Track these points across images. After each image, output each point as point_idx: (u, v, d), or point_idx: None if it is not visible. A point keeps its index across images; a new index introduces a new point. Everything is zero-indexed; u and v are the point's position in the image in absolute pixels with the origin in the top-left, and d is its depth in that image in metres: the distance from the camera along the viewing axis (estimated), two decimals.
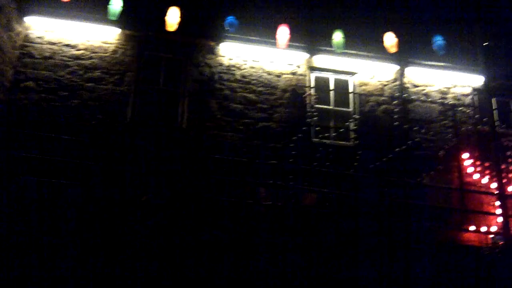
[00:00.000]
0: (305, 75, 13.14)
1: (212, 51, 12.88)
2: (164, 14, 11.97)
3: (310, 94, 12.93)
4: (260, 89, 12.79)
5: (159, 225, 9.56)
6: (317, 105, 12.96)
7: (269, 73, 12.95)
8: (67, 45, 12.31)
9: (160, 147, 11.57)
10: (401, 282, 9.73)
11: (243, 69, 12.86)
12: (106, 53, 12.40)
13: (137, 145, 11.46)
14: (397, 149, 12.64)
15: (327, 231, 10.24)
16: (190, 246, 9.46)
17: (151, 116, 12.20)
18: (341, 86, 13.43)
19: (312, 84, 13.18)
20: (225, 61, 12.86)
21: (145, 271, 8.92)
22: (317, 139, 12.56)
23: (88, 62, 12.25)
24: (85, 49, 12.35)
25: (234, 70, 12.81)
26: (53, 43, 12.25)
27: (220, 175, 11.25)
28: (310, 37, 13.14)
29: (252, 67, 12.90)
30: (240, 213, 10.28)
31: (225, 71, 12.76)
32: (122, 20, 12.26)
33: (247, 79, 12.81)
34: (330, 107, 13.16)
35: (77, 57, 12.25)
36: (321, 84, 13.32)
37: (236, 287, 9.10)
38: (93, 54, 12.33)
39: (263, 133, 12.38)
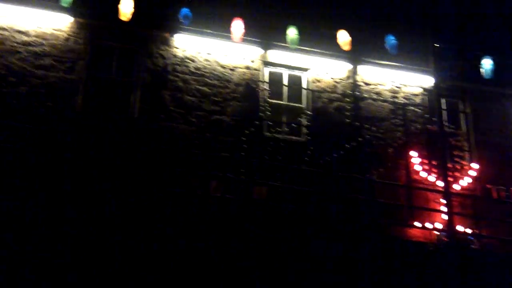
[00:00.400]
0: (259, 70, 13.30)
1: (166, 43, 12.91)
2: (118, 3, 11.93)
3: (263, 89, 13.08)
4: (213, 82, 12.89)
5: (109, 215, 9.58)
6: (270, 100, 13.12)
7: (223, 67, 13.06)
8: (18, 31, 12.16)
9: (111, 136, 11.54)
10: (348, 274, 9.92)
11: (197, 61, 12.94)
12: (58, 40, 12.30)
13: (87, 134, 11.41)
14: (347, 146, 12.89)
15: (276, 224, 10.41)
16: (142, 238, 9.51)
17: (102, 106, 12.16)
18: (295, 82, 13.63)
19: (266, 78, 13.35)
20: (179, 53, 12.91)
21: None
22: (269, 134, 12.73)
23: (39, 49, 12.14)
24: (37, 36, 12.23)
25: (188, 62, 12.88)
26: (4, 29, 12.09)
27: (171, 166, 11.31)
28: (265, 32, 13.30)
29: (206, 60, 12.99)
30: (191, 205, 10.36)
31: (178, 63, 12.81)
32: (75, 8, 12.19)
33: (200, 72, 12.89)
34: (283, 102, 13.35)
35: (28, 44, 12.12)
36: (275, 79, 13.49)
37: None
38: (45, 41, 12.22)
39: (216, 126, 12.49)
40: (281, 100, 13.35)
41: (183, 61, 12.85)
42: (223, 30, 12.85)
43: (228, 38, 12.72)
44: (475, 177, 13.45)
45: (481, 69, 13.54)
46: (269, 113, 12.94)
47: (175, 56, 12.84)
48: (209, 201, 10.93)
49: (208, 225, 9.89)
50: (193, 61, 12.91)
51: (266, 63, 13.45)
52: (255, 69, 13.28)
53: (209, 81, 12.89)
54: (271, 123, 12.85)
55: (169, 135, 12.07)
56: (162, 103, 12.37)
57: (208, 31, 13.01)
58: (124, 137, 11.70)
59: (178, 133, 12.18)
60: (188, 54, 12.94)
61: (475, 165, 13.56)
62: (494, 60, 13.49)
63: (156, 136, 11.97)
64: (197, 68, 12.89)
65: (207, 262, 9.44)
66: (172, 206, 10.28)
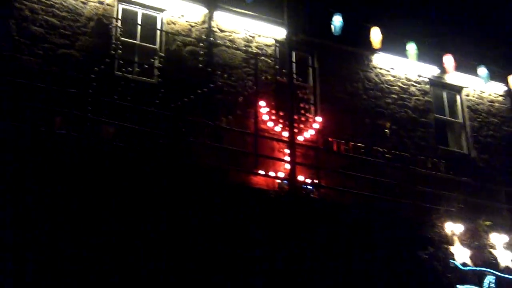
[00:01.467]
0: (112, 6, 13.12)
1: None
2: None
3: (116, 26, 12.87)
4: (63, 14, 12.53)
5: None
6: (122, 38, 12.97)
7: None
8: None
9: None
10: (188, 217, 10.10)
11: None
12: None
13: None
14: (199, 91, 13.11)
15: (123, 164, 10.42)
16: None
17: None
18: (149, 22, 13.57)
19: (119, 16, 13.16)
20: None
21: None
22: (120, 73, 12.62)
23: None
24: None
25: None
26: None
27: (14, 100, 10.89)
28: None
29: None
30: (35, 141, 10.07)
31: None
32: None
33: (50, 2, 12.48)
34: (136, 42, 13.29)
35: None
36: (129, 17, 13.34)
37: None
38: None
39: (64, 61, 12.18)
40: (135, 39, 13.26)
41: None
42: None
43: None
44: (318, 129, 14.26)
45: (331, 26, 14.18)
46: (121, 51, 12.78)
47: None
48: (54, 138, 10.67)
49: (53, 161, 9.67)
50: None
51: (121, 0, 13.23)
52: (109, 5, 13.05)
53: (59, 12, 12.50)
54: (122, 62, 12.70)
55: (12, 66, 11.56)
56: (6, 31, 11.80)
57: None
58: None
59: (22, 65, 11.70)
60: None
61: (319, 119, 14.37)
62: (344, 18, 14.18)
63: None
64: None
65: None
66: (13, 141, 9.90)
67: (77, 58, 12.34)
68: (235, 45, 14.26)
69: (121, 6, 13.29)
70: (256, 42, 14.55)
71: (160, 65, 13.21)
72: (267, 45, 14.68)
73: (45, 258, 8.75)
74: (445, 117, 16.59)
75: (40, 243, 8.82)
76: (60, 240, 8.94)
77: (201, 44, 13.80)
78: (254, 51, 14.44)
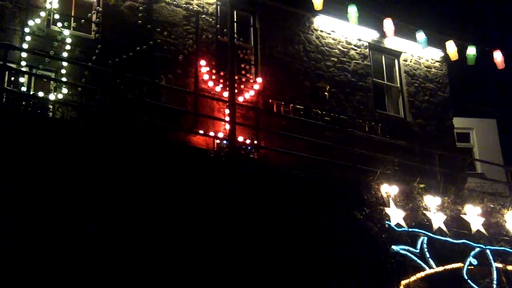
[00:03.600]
0: None
1: None
2: None
3: None
4: None
5: None
6: None
7: None
8: None
9: None
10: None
11: None
12: None
13: None
14: (138, 48, 12.91)
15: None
16: None
17: None
18: None
19: None
20: None
21: None
22: (56, 27, 12.26)
23: None
24: None
25: None
26: None
27: None
28: None
29: None
30: None
31: None
32: None
33: None
34: None
35: None
36: None
37: None
38: None
39: None
40: None
41: None
42: None
43: None
44: (258, 90, 14.30)
45: None
46: (57, 5, 12.41)
47: None
48: None
49: None
50: None
51: None
52: None
53: None
54: (58, 16, 12.34)
55: None
56: None
57: None
58: None
59: None
60: None
61: (259, 80, 14.40)
62: None
63: None
64: None
65: None
66: None
67: (11, 10, 11.93)
68: (176, 2, 14.07)
69: None
70: (197, 0, 14.36)
71: (98, 20, 12.90)
72: (208, 3, 14.54)
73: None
74: (383, 82, 16.88)
75: None
76: None
77: (140, 0, 13.52)
78: (195, 9, 14.28)
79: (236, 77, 13.51)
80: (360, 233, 11.03)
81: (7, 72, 10.77)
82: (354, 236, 10.89)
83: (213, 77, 13.88)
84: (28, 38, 11.76)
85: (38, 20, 12.02)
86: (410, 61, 17.22)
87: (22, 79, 11.12)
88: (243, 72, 14.39)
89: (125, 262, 8.73)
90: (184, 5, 14.12)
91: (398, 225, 11.18)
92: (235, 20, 13.96)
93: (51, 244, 8.25)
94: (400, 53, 17.14)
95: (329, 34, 16.15)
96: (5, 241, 7.97)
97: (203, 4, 14.44)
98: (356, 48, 16.43)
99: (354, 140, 13.74)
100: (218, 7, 14.72)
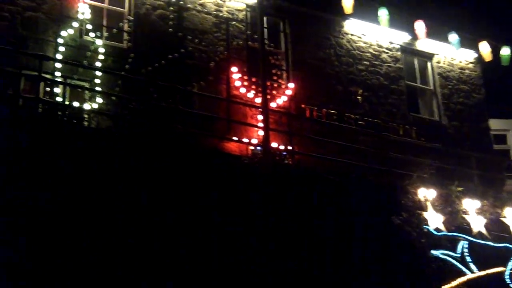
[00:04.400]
0: None
1: None
2: None
3: None
4: None
5: None
6: (90, 1, 12.72)
7: None
8: None
9: None
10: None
11: None
12: None
13: None
14: (170, 56, 12.97)
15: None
16: None
17: None
18: None
19: None
20: None
21: None
22: (88, 37, 12.37)
23: None
24: None
25: None
26: None
27: None
28: None
29: None
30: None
31: None
32: None
33: None
34: (104, 5, 13.07)
35: None
36: None
37: None
38: None
39: (31, 24, 11.89)
40: (102, 2, 13.02)
41: None
42: None
43: None
44: (291, 96, 14.25)
45: None
46: (89, 15, 12.51)
47: None
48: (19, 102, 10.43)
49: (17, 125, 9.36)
50: None
51: None
52: None
53: None
54: (91, 27, 12.43)
55: None
56: None
57: None
58: None
59: None
60: None
61: (291, 85, 14.36)
62: None
63: None
64: None
65: None
66: None
67: (43, 21, 12.06)
68: (206, 9, 14.10)
69: None
70: (227, 7, 14.41)
71: (129, 29, 12.98)
72: (238, 10, 14.55)
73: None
74: (416, 84, 16.73)
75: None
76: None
77: (171, 8, 13.61)
78: (225, 15, 14.30)
79: (268, 83, 13.46)
80: (398, 238, 10.91)
81: (42, 83, 10.91)
82: (392, 242, 10.77)
83: (245, 83, 13.87)
84: (61, 48, 11.86)
85: (71, 31, 12.12)
86: (443, 63, 17.03)
87: (57, 89, 11.20)
88: (274, 77, 14.36)
89: (175, 264, 8.77)
90: (214, 12, 14.15)
91: (437, 229, 11.03)
92: (265, 26, 13.95)
93: (99, 250, 8.32)
94: (433, 55, 16.97)
95: (360, 37, 16.06)
96: (53, 247, 8.04)
97: (233, 11, 14.45)
98: (387, 51, 16.31)
99: (389, 144, 13.62)
100: (248, 13, 14.72)
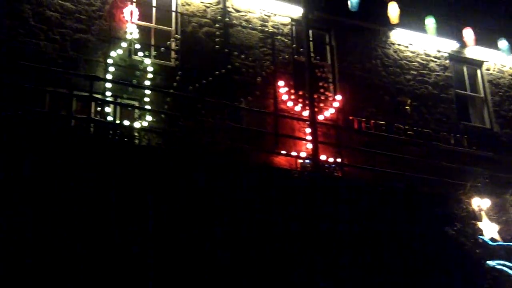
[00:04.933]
0: None
1: None
2: None
3: (131, 9, 12.82)
4: None
5: None
6: (138, 22, 12.92)
7: None
8: None
9: None
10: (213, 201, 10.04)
11: None
12: None
13: None
14: (217, 72, 13.09)
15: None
16: None
17: None
18: (164, 4, 13.53)
19: None
20: None
21: None
22: (137, 56, 12.59)
23: None
24: None
25: None
26: None
27: (32, 85, 10.89)
28: None
29: None
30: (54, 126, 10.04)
31: None
32: None
33: None
34: (152, 24, 13.25)
35: None
36: (143, 0, 13.28)
37: None
38: None
39: (80, 45, 12.18)
40: (150, 22, 13.23)
41: None
42: None
43: None
44: (338, 108, 14.21)
45: (348, 2, 14.05)
46: (137, 35, 12.74)
47: None
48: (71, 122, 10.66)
49: (70, 146, 9.56)
50: None
51: None
52: None
53: None
54: (139, 46, 12.65)
55: (30, 51, 11.59)
56: (22, 17, 11.81)
57: None
58: None
59: (39, 50, 11.72)
60: None
61: (339, 97, 14.32)
62: None
63: (15, 52, 11.44)
64: None
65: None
66: (32, 127, 9.85)
67: (93, 42, 12.34)
68: (251, 25, 14.21)
69: None
70: (272, 22, 14.49)
71: (176, 47, 13.17)
72: (283, 24, 14.62)
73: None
74: (466, 92, 16.49)
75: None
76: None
77: (217, 25, 13.76)
78: (271, 30, 14.38)
79: (315, 96, 13.44)
80: (452, 249, 10.76)
81: (93, 103, 11.14)
82: (447, 253, 10.61)
83: (292, 97, 13.90)
84: (111, 68, 12.11)
85: (120, 51, 12.36)
86: (493, 70, 16.76)
87: (107, 109, 11.43)
88: (321, 90, 14.35)
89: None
90: (260, 27, 14.25)
91: (492, 239, 10.82)
92: (310, 39, 13.96)
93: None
94: (482, 62, 16.71)
95: (407, 47, 15.94)
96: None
97: (278, 25, 14.53)
98: (435, 59, 16.13)
99: (439, 153, 13.45)
100: (293, 27, 14.77)
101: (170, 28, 13.40)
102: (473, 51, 16.39)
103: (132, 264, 8.39)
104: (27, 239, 8.00)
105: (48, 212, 8.20)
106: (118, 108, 11.51)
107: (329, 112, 14.10)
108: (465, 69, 16.65)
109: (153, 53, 12.96)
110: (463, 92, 16.41)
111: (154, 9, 13.41)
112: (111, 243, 8.36)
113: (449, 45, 16.29)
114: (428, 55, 16.10)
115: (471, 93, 16.55)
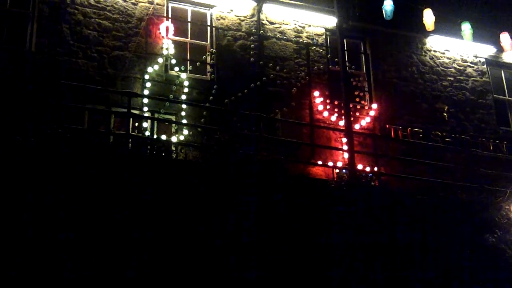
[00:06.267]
0: (162, 5, 13.30)
1: None
2: None
3: (167, 25, 13.03)
4: (115, 16, 12.79)
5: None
6: (173, 37, 13.12)
7: (125, 0, 12.89)
8: None
9: (7, 70, 11.20)
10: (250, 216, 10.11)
11: None
12: None
13: None
14: (252, 85, 13.19)
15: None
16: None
17: None
18: (199, 19, 13.70)
19: (169, 14, 13.32)
20: None
21: None
22: (173, 71, 12.78)
23: None
24: None
25: None
26: None
27: (71, 102, 11.15)
28: None
29: None
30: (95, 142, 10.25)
31: None
32: None
33: (101, 5, 12.75)
34: (187, 39, 13.43)
35: None
36: (179, 15, 13.50)
37: None
38: None
39: (118, 62, 12.43)
40: (186, 37, 13.42)
41: None
42: None
43: None
44: (374, 117, 14.18)
45: (382, 10, 14.01)
46: (173, 50, 12.94)
47: None
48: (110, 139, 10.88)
49: (109, 162, 9.74)
50: None
51: None
52: (158, 4, 13.23)
53: (111, 15, 12.78)
54: (174, 61, 12.85)
55: (69, 70, 11.88)
56: (61, 36, 12.12)
57: None
58: (21, 71, 11.38)
59: (78, 69, 12.01)
60: None
61: (375, 106, 14.29)
62: (394, 1, 14.01)
63: (55, 71, 11.74)
64: (97, 1, 12.70)
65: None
66: (73, 143, 10.06)
67: (130, 59, 12.57)
68: (286, 36, 14.28)
69: (170, 5, 13.49)
70: (306, 32, 14.55)
71: (212, 61, 13.33)
72: (317, 35, 14.66)
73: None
74: (504, 97, 16.26)
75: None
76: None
77: (251, 38, 13.88)
78: (305, 41, 14.44)
79: (351, 105, 13.47)
80: (492, 256, 10.61)
81: (131, 119, 11.34)
82: (487, 260, 10.48)
83: (328, 107, 13.92)
84: (148, 84, 12.34)
85: (156, 67, 12.58)
86: None
87: (145, 124, 11.63)
88: (357, 99, 14.35)
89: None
90: (294, 38, 14.32)
91: None
92: (345, 48, 13.99)
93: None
94: None
95: (443, 53, 15.82)
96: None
97: (313, 36, 14.57)
98: (472, 65, 15.98)
99: (478, 160, 13.30)
100: (328, 37, 14.80)
101: (205, 43, 13.56)
102: (511, 56, 16.16)
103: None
104: (72, 256, 8.17)
105: (90, 228, 8.37)
106: (155, 123, 11.69)
107: (365, 121, 14.08)
108: (503, 73, 16.44)
109: (189, 67, 13.15)
110: (501, 97, 16.20)
111: (189, 24, 13.57)
112: (151, 258, 8.49)
113: (486, 50, 16.13)
114: (464, 61, 15.95)
115: (510, 98, 16.32)
